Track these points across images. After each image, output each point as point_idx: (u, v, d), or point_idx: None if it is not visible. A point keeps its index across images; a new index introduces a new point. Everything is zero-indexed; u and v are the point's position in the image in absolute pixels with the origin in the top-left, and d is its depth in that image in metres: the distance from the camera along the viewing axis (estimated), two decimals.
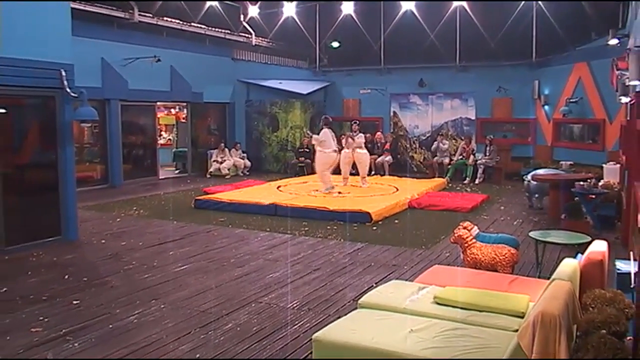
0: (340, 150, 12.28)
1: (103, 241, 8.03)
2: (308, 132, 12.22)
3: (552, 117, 14.93)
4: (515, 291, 4.49)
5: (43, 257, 7.11)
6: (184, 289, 5.86)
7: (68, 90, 7.83)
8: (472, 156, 14.90)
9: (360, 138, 12.85)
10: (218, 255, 7.22)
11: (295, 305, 5.41)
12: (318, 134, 12.09)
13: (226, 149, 16.55)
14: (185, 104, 16.64)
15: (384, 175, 15.44)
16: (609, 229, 8.37)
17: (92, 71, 13.14)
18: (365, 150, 12.91)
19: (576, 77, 13.99)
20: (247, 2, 17.90)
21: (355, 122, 13.08)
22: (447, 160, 15.41)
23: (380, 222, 9.36)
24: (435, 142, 15.86)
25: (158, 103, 15.90)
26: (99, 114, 9.80)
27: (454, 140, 16.45)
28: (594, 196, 8.46)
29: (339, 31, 18.15)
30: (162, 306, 5.37)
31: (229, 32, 17.28)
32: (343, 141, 13.05)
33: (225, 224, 9.29)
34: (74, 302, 5.49)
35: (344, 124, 17.58)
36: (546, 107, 15.23)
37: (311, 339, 3.87)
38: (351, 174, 13.44)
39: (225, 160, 16.23)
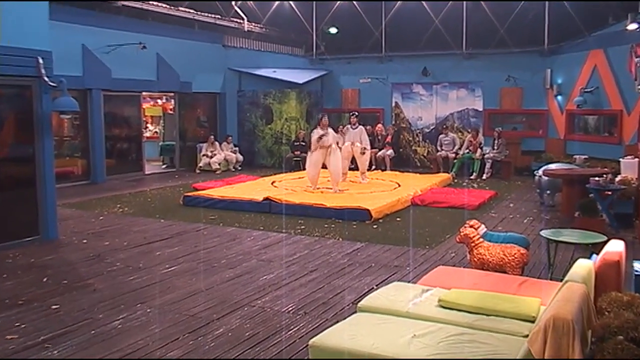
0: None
1: (85, 241, 8.01)
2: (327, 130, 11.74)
3: (565, 108, 14.95)
4: (526, 294, 4.49)
5: (20, 258, 7.09)
6: (171, 292, 5.85)
7: (46, 79, 7.78)
8: (479, 150, 14.91)
9: (352, 135, 12.76)
10: (208, 256, 7.21)
11: (290, 308, 5.41)
12: (313, 128, 12.06)
13: (216, 143, 16.52)
14: (172, 94, 16.59)
15: (385, 170, 15.43)
16: (626, 228, 8.38)
17: (72, 59, 13.09)
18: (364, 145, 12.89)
19: (591, 65, 13.99)
20: None
21: (353, 114, 13.06)
22: (452, 154, 15.42)
23: (381, 220, 9.35)
24: (440, 135, 15.87)
25: (143, 93, 15.84)
26: (80, 105, 9.74)
27: (459, 133, 16.46)
28: (610, 192, 8.47)
29: (337, 16, 18.12)
30: (149, 310, 5.36)
31: (219, 17, 17.22)
32: (339, 135, 13.01)
33: (216, 222, 9.27)
34: (53, 306, 5.47)
35: (342, 115, 17.57)
36: (559, 98, 15.24)
37: (307, 345, 3.87)
38: (350, 169, 13.43)
39: (215, 155, 16.21)
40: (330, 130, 11.83)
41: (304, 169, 14.71)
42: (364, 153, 12.74)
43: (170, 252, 7.38)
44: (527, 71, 15.66)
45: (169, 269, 6.64)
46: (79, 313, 5.30)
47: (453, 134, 15.97)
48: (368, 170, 13.70)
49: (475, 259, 5.89)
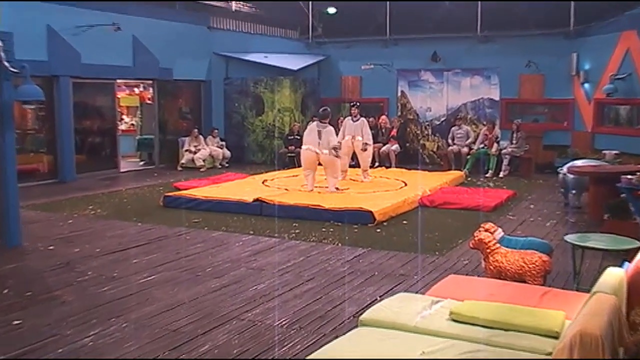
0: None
1: (52, 247, 7.99)
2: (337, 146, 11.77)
3: (594, 97, 14.96)
4: (548, 306, 4.49)
5: None
6: (150, 304, 5.84)
7: (6, 64, 7.74)
8: (495, 144, 14.93)
9: (351, 129, 12.76)
10: (192, 264, 7.20)
11: (284, 322, 5.41)
12: (309, 120, 12.05)
13: (201, 136, 16.51)
14: (151, 81, 16.57)
15: (389, 167, 15.44)
16: None
17: (35, 41, 13.04)
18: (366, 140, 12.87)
19: (623, 48, 13.99)
20: None
21: (354, 105, 13.04)
22: (465, 149, 15.43)
23: (385, 223, 9.36)
24: (452, 128, 15.88)
25: (118, 81, 15.83)
26: (46, 94, 9.73)
27: (473, 126, 16.48)
28: None
29: None
30: (124, 325, 5.35)
31: None
32: (341, 129, 13.02)
33: (201, 225, 9.26)
34: (15, 321, 5.45)
35: (342, 106, 17.58)
36: (586, 86, 15.26)
37: None
38: (351, 166, 13.43)
39: (199, 150, 16.20)
40: (362, 119, 12.22)
41: (299, 166, 14.73)
42: (365, 149, 12.74)
43: (149, 260, 7.37)
44: (550, 56, 15.66)
45: (148, 279, 6.63)
46: (45, 329, 5.29)
47: (466, 126, 15.99)
48: (371, 167, 13.71)
49: (491, 267, 5.89)
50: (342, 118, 14.67)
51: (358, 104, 13.19)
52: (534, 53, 15.74)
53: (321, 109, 11.95)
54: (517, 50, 15.93)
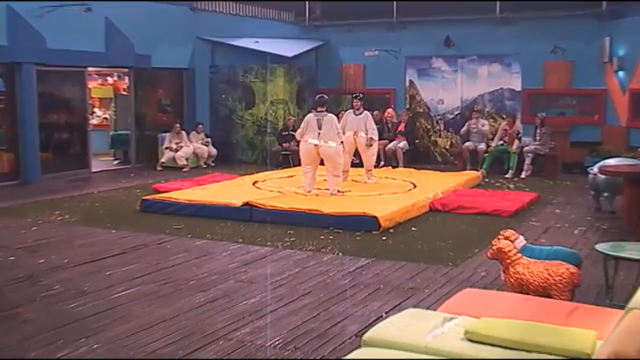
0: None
1: (13, 258, 7.97)
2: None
3: (629, 87, 14.97)
4: (577, 324, 4.48)
5: None
6: (126, 322, 5.83)
7: None
8: (516, 141, 14.94)
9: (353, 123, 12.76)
10: (173, 276, 7.19)
11: (277, 342, 5.40)
12: (306, 113, 12.04)
13: (183, 132, 16.51)
14: (126, 70, 16.57)
15: (396, 166, 15.45)
16: None
17: None
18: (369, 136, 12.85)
19: None
20: None
21: (357, 96, 12.99)
22: (482, 146, 15.44)
23: (391, 230, 9.36)
24: (467, 123, 15.88)
25: (89, 69, 15.82)
26: (5, 83, 9.73)
27: (492, 120, 16.50)
28: None
29: None
30: (96, 346, 5.33)
31: None
32: (341, 124, 12.96)
33: (183, 233, 9.26)
34: None
35: (342, 98, 17.58)
36: (620, 74, 15.27)
37: None
38: (353, 166, 13.42)
39: (182, 147, 16.20)
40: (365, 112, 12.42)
41: (294, 165, 14.73)
42: (370, 145, 12.72)
43: (125, 272, 7.36)
44: (579, 40, 15.65)
45: (123, 293, 6.62)
46: (5, 351, 5.26)
47: (484, 120, 15.99)
48: (375, 167, 13.70)
49: (511, 280, 5.88)
50: (342, 112, 14.65)
51: (361, 95, 13.11)
52: (561, 37, 15.72)
53: (317, 96, 11.97)
54: (541, 33, 15.92)
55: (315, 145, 11.36)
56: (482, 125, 15.69)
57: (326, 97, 11.94)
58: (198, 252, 8.25)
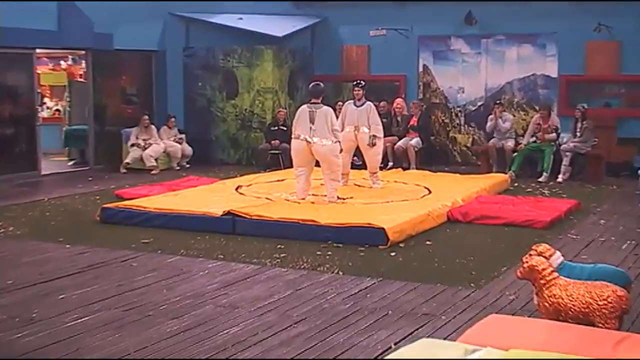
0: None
1: None
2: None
3: None
4: (626, 357, 4.48)
5: None
6: (82, 356, 5.82)
7: None
8: (552, 137, 14.94)
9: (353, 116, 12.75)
10: (140, 300, 7.18)
11: None
12: (300, 104, 12.02)
13: (153, 127, 16.50)
14: (83, 52, 16.56)
15: (408, 168, 15.46)
16: None
17: None
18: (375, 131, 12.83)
19: None
20: None
21: (358, 84, 12.93)
22: (511, 144, 15.46)
23: (401, 245, 9.35)
24: (491, 116, 15.89)
25: (38, 51, 15.78)
26: None
27: (522, 113, 16.50)
28: None
29: None
30: None
31: None
32: (339, 117, 12.95)
33: (152, 248, 9.24)
34: None
35: (343, 86, 17.58)
36: None
37: None
38: (354, 168, 13.41)
39: (151, 145, 16.18)
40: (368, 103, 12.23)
41: (285, 167, 14.72)
42: (374, 144, 12.69)
43: (81, 295, 7.33)
44: (627, 17, 15.64)
45: (79, 321, 6.59)
46: None
47: (508, 114, 15.91)
48: (382, 168, 13.70)
49: (546, 304, 5.88)
50: (340, 103, 14.65)
51: (363, 82, 13.04)
52: (607, 13, 15.65)
53: (311, 85, 11.92)
54: (582, 9, 15.83)
55: (308, 142, 11.30)
56: (504, 122, 15.62)
57: (322, 85, 11.89)
58: (170, 271, 8.22)
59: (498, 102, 16.02)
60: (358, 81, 13.10)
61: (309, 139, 11.26)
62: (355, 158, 13.57)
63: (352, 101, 12.97)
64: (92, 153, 16.59)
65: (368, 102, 12.86)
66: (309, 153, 11.41)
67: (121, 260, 8.68)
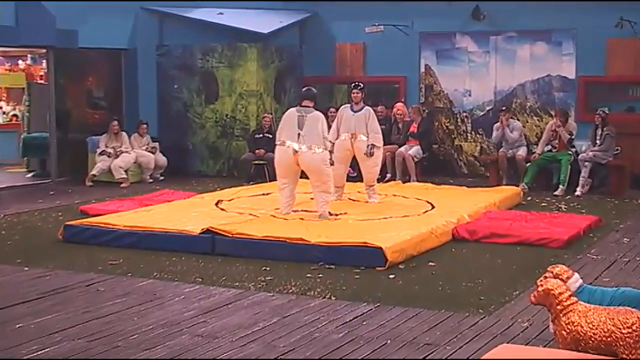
0: None
1: None
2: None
3: None
4: None
5: None
6: None
7: None
8: (569, 145, 14.96)
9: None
10: (107, 329, 7.14)
11: None
12: (288, 107, 12.02)
13: (123, 134, 16.49)
14: (44, 50, 16.54)
15: (408, 180, 15.48)
16: None
17: None
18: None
19: None
20: None
21: (357, 86, 12.94)
22: (522, 153, 15.49)
23: (401, 266, 9.35)
24: (497, 124, 15.87)
25: None
26: None
27: (536, 118, 16.54)
28: None
29: None
30: None
31: None
32: (334, 123, 12.96)
33: (121, 270, 9.22)
34: None
35: (336, 89, 17.59)
36: None
37: None
38: (350, 180, 13.41)
39: (120, 154, 16.16)
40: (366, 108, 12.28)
41: (272, 180, 14.70)
42: (372, 154, 12.67)
43: (41, 324, 7.29)
44: None
45: (39, 353, 6.55)
46: None
47: (516, 122, 15.90)
48: (379, 181, 13.70)
49: (564, 332, 5.87)
50: (333, 110, 14.66)
51: (361, 84, 13.06)
52: (629, 7, 15.71)
53: (304, 88, 11.93)
54: (602, 3, 15.84)
55: (295, 151, 11.27)
56: (512, 130, 15.65)
57: (315, 90, 11.93)
58: (141, 296, 8.19)
59: (504, 108, 16.04)
60: (357, 83, 13.07)
61: (296, 147, 11.22)
62: (350, 169, 13.57)
63: (348, 105, 12.96)
64: (54, 164, 16.52)
65: (367, 107, 12.84)
66: (294, 163, 11.38)
67: (86, 284, 8.64)
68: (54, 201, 14.07)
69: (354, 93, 12.85)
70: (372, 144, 12.62)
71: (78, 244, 10.49)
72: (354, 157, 12.98)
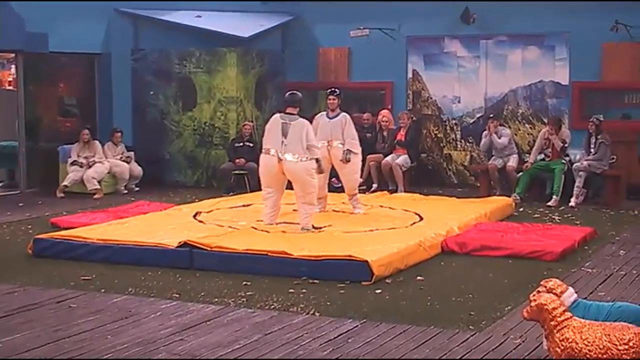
0: None
1: None
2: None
3: None
4: None
5: None
6: None
7: None
8: (562, 154, 15.00)
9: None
10: (80, 347, 7.11)
11: None
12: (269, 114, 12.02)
13: (96, 143, 16.46)
14: (12, 55, 16.50)
15: (395, 191, 15.50)
16: None
17: None
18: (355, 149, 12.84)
19: None
20: None
21: (332, 92, 12.87)
22: (512, 163, 15.53)
23: (388, 280, 9.36)
24: (485, 132, 15.96)
25: None
26: None
27: (528, 126, 16.59)
28: None
29: None
30: None
31: None
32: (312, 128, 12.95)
33: (94, 286, 9.18)
34: None
35: (319, 95, 17.62)
36: None
37: None
38: (332, 190, 13.42)
39: (93, 164, 16.11)
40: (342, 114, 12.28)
41: (253, 190, 14.70)
42: (348, 159, 12.64)
43: (9, 343, 7.25)
44: None
45: None
46: None
47: (505, 129, 15.96)
48: (364, 191, 13.71)
49: (558, 349, 5.89)
50: (317, 116, 14.66)
51: (337, 91, 13.04)
52: (625, 10, 15.78)
53: (288, 93, 11.94)
54: (597, 5, 15.95)
55: (280, 159, 11.27)
56: (500, 137, 15.72)
57: (300, 95, 11.93)
58: (115, 313, 8.16)
59: (492, 115, 16.12)
60: (332, 89, 13.09)
61: (280, 155, 11.24)
62: (333, 180, 13.57)
63: (324, 113, 13.01)
64: (23, 174, 16.50)
65: (343, 113, 12.88)
66: (279, 171, 11.41)
67: (57, 300, 8.60)
68: (23, 213, 14.02)
69: (330, 99, 12.91)
70: (348, 149, 12.65)
71: (49, 258, 10.45)
72: (332, 166, 12.98)
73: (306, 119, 11.89)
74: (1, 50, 16.48)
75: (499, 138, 15.65)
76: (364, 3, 17.56)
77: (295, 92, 11.97)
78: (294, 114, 11.51)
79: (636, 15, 15.73)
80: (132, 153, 16.88)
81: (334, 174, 13.31)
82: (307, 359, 6.81)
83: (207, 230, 11.33)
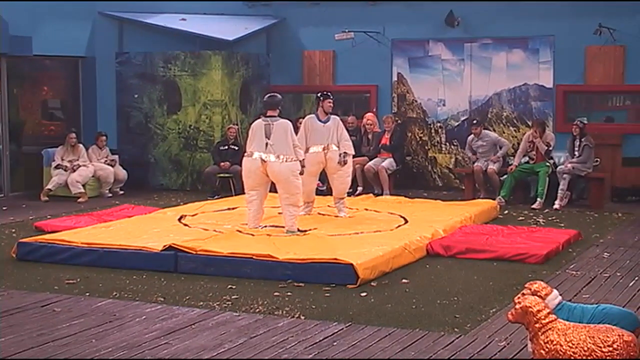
0: None
1: None
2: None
3: None
4: None
5: None
6: None
7: None
8: (546, 157, 15.04)
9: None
10: (64, 352, 7.09)
11: None
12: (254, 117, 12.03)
13: (80, 146, 16.41)
14: None
15: (380, 194, 15.50)
16: None
17: None
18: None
19: None
20: None
21: (327, 95, 12.90)
22: (495, 165, 15.57)
23: (373, 283, 9.36)
24: (471, 137, 16.02)
25: None
26: None
27: (512, 129, 16.62)
28: None
29: None
30: None
31: None
32: (299, 133, 12.91)
33: (79, 290, 9.16)
34: None
35: (305, 98, 17.60)
36: None
37: None
38: (319, 193, 13.41)
39: (78, 168, 16.07)
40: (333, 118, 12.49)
41: (238, 194, 14.69)
42: (345, 162, 12.66)
43: None
44: (632, 18, 15.80)
45: None
46: None
47: (491, 132, 16.02)
48: (349, 194, 13.69)
49: (542, 351, 5.90)
50: (301, 119, 14.64)
51: (331, 95, 13.02)
52: (608, 13, 15.84)
53: (267, 96, 11.93)
54: (580, 9, 16.01)
55: (263, 161, 11.28)
56: (485, 139, 15.80)
57: (279, 96, 11.92)
58: (100, 317, 8.14)
59: (475, 122, 16.11)
60: (325, 92, 13.00)
61: (264, 157, 11.24)
62: (319, 183, 13.56)
63: (313, 116, 12.92)
64: (6, 178, 16.43)
65: (333, 117, 12.84)
66: (263, 173, 11.41)
67: (41, 304, 8.57)
68: (7, 217, 13.96)
69: (327, 102, 12.77)
70: (344, 152, 12.64)
71: (33, 262, 10.43)
72: (323, 170, 13.00)
73: (291, 121, 11.91)
74: None
75: (484, 140, 15.70)
76: (349, 6, 17.58)
77: (274, 94, 11.97)
78: (275, 116, 11.52)
79: (619, 18, 15.78)
80: (117, 156, 16.85)
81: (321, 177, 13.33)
82: None
83: (192, 233, 11.33)
